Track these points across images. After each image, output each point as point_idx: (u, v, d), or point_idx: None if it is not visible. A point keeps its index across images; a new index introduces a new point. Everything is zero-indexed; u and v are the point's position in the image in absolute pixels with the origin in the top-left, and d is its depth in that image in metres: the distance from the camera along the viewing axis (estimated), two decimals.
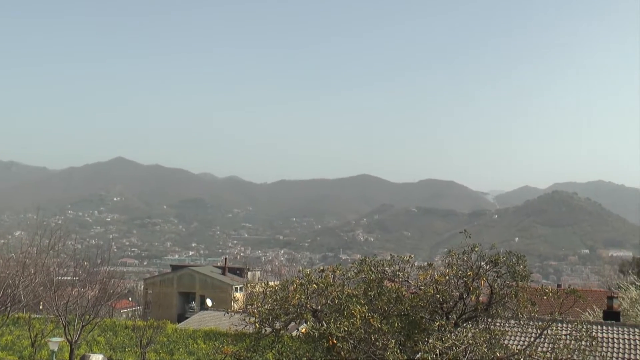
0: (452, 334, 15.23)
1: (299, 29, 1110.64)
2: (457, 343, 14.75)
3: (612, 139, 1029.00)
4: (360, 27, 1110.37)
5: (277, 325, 16.87)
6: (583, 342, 16.49)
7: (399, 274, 17.32)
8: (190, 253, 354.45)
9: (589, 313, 37.48)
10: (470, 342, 14.74)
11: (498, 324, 17.06)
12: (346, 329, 14.80)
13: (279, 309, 16.51)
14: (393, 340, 15.10)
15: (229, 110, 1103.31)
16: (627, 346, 25.11)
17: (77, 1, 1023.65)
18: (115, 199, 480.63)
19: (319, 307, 16.73)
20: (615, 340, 25.53)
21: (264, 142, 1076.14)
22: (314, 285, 16.70)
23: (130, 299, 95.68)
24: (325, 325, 15.22)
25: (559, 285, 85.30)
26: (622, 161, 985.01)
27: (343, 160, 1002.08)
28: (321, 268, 18.47)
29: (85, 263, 40.97)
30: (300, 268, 21.47)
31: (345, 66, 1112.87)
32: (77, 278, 38.56)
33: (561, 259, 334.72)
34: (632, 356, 24.34)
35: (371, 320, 15.08)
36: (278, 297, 16.76)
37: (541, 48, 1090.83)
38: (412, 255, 18.57)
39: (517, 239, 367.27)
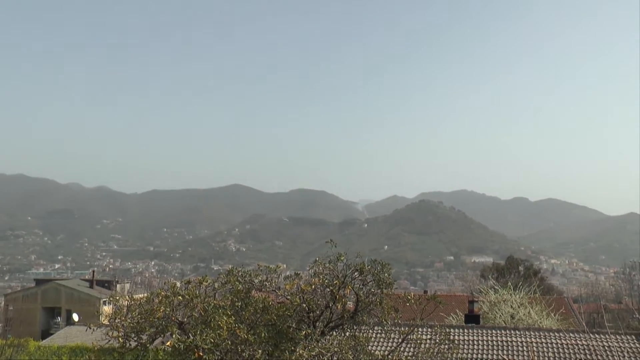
0: (319, 343, 15.43)
1: (166, 37, 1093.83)
2: (324, 351, 14.97)
3: (474, 150, 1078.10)
4: (227, 32, 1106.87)
5: (143, 338, 16.48)
6: (443, 345, 17.17)
7: (266, 284, 17.36)
8: (57, 266, 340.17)
9: (452, 317, 38.93)
10: (336, 349, 15.00)
11: (364, 331, 17.43)
12: (212, 340, 14.66)
13: (144, 322, 16.14)
14: (260, 351, 15.12)
15: (97, 118, 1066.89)
16: (485, 347, 26.34)
17: None
18: None
19: (185, 319, 16.50)
20: (475, 342, 26.73)
21: (134, 151, 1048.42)
22: (180, 297, 16.47)
23: None
24: (192, 338, 15.02)
25: (425, 291, 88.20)
26: (483, 172, 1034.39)
27: (214, 170, 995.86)
28: (187, 279, 18.24)
29: None
30: (168, 279, 21.10)
31: (215, 74, 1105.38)
32: None
33: (428, 265, 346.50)
34: (489, 356, 25.55)
35: (238, 331, 15.02)
36: (143, 309, 16.39)
37: (408, 57, 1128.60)
38: (283, 265, 18.68)
39: (386, 247, 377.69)
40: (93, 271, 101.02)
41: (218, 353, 14.89)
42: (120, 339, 16.14)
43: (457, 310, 39.55)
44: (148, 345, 16.46)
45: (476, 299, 36.76)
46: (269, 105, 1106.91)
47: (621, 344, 25.13)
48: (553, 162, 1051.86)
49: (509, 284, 42.62)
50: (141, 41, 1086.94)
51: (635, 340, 25.45)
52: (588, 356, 24.51)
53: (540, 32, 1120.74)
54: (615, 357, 24.00)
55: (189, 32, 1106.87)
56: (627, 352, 24.48)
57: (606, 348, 24.87)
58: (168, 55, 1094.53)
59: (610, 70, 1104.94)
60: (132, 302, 16.95)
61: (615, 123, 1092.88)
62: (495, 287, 42.74)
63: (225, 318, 15.21)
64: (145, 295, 17.96)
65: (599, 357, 24.29)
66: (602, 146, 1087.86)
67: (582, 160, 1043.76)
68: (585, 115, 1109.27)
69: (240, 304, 16.52)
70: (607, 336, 25.93)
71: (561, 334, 26.55)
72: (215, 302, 16.60)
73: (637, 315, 53.26)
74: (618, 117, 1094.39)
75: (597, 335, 26.35)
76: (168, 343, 15.76)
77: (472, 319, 32.36)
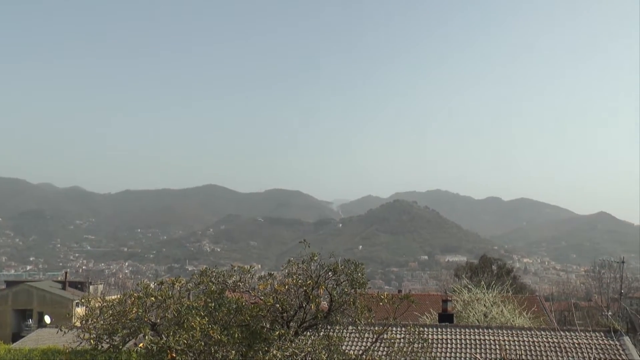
0: (293, 343, 15.46)
1: (140, 34, 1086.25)
2: (297, 351, 15.00)
3: (448, 150, 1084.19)
4: (209, 34, 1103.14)
5: (116, 340, 16.39)
6: (416, 345, 17.28)
7: (239, 285, 17.33)
8: (28, 267, 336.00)
9: (426, 316, 39.21)
10: (310, 349, 15.04)
11: (337, 331, 17.49)
12: (186, 341, 14.63)
13: (117, 323, 16.05)
14: (233, 351, 15.11)
15: (69, 117, 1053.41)
16: (458, 346, 26.56)
17: None
18: None
19: (158, 320, 16.43)
20: (448, 341, 26.93)
21: (108, 150, 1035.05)
22: (152, 298, 16.39)
23: None
24: (165, 339, 14.96)
25: (399, 291, 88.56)
26: (457, 171, 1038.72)
27: (189, 170, 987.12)
28: (161, 280, 18.16)
29: None
30: (140, 280, 20.96)
31: (190, 75, 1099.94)
32: None
33: (402, 265, 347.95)
34: (463, 355, 25.76)
35: (211, 332, 14.99)
36: (115, 311, 16.30)
37: (385, 58, 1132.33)
38: (258, 265, 18.71)
39: (360, 246, 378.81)
40: (66, 272, 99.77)
41: (191, 354, 14.86)
42: (92, 341, 16.03)
43: (431, 310, 39.83)
44: (120, 347, 16.37)
45: (450, 298, 37.07)
46: (244, 105, 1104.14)
47: (590, 341, 25.57)
48: (526, 162, 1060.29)
49: (482, 283, 43.02)
50: (115, 40, 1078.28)
51: (603, 337, 25.93)
52: (558, 353, 24.87)
53: (523, 34, 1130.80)
54: (585, 354, 24.37)
55: (166, 32, 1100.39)
56: (595, 348, 24.94)
57: (576, 345, 25.26)
58: (141, 53, 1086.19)
59: (584, 71, 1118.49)
60: (105, 304, 16.84)
61: (586, 124, 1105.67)
62: (469, 286, 43.10)
63: (198, 319, 15.17)
64: (118, 296, 17.86)
65: (569, 354, 24.65)
66: (573, 146, 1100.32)
67: (554, 160, 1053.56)
68: (557, 116, 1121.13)
69: (213, 304, 16.48)
70: (576, 333, 26.35)
71: (532, 332, 26.89)
72: (188, 302, 16.55)
73: (605, 313, 54.12)
74: (589, 118, 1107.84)
75: (567, 333, 26.76)
76: (140, 345, 15.69)
77: (446, 318, 32.61)
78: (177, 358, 14.68)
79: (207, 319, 15.46)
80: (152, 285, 17.84)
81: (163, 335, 15.49)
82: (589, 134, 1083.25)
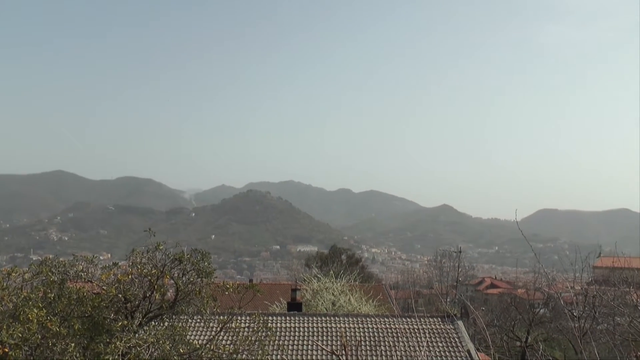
0: (137, 334, 15.19)
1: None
2: (140, 342, 14.75)
3: (300, 142, 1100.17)
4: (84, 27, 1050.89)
5: None
6: (261, 333, 17.48)
7: (82, 275, 16.79)
8: None
9: (276, 305, 39.72)
10: (153, 340, 14.83)
11: (182, 321, 17.37)
12: (20, 335, 13.96)
13: None
14: (73, 344, 14.61)
15: None
16: (305, 333, 27.16)
17: None
18: None
19: None
20: (295, 329, 27.48)
21: None
22: None
23: None
24: None
25: (251, 280, 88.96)
26: (309, 163, 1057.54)
27: (36, 154, 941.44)
28: None
29: None
30: None
31: (40, 57, 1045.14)
32: None
33: (254, 254, 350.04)
34: (309, 342, 26.37)
35: (49, 324, 14.42)
36: None
37: (242, 54, 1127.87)
38: (108, 254, 18.17)
39: (213, 236, 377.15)
40: None
41: (26, 348, 14.21)
42: None
43: (281, 299, 40.37)
44: None
45: (299, 287, 37.80)
46: (94, 88, 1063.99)
47: (428, 326, 27.07)
48: (376, 155, 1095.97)
49: (332, 272, 43.96)
50: None
51: (440, 322, 27.55)
52: (397, 338, 26.12)
53: (354, 25, 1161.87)
54: (421, 338, 25.75)
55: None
56: (432, 332, 26.48)
57: (415, 330, 26.61)
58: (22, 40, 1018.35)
59: (419, 67, 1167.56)
60: None
61: (431, 122, 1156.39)
62: (319, 275, 43.93)
63: (35, 311, 14.53)
64: None
65: (407, 338, 25.96)
66: (418, 141, 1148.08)
67: (402, 154, 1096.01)
68: (404, 112, 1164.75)
69: (53, 295, 15.84)
70: (416, 319, 27.79)
71: (376, 319, 27.98)
72: (25, 294, 15.81)
73: (444, 299, 57.17)
74: (433, 117, 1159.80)
75: (407, 319, 28.15)
76: None
77: (294, 306, 33.34)
78: (10, 353, 13.98)
79: (45, 311, 14.84)
80: None
81: None
82: (434, 130, 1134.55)
